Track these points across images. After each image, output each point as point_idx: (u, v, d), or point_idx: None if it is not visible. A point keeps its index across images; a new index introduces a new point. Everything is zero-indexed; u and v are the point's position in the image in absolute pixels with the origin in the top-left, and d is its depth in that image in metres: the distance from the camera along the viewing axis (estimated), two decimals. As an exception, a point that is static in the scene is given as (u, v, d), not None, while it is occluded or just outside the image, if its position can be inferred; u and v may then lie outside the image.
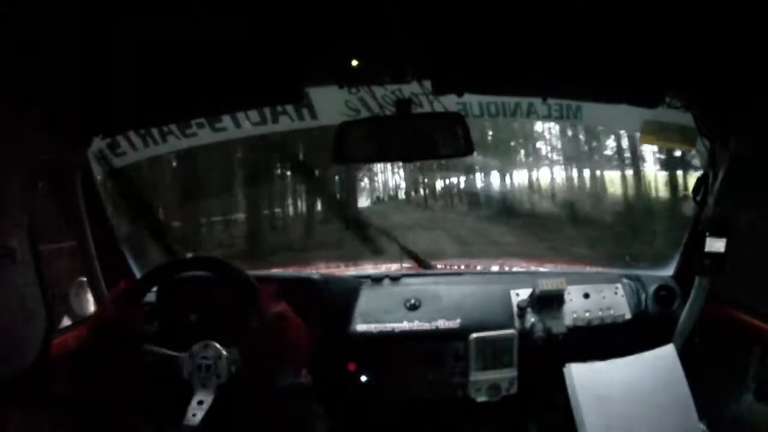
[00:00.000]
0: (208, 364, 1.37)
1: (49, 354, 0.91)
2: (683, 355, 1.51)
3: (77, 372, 1.25)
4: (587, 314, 1.61)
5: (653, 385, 1.47)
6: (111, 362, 1.31)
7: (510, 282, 1.70)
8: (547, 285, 1.62)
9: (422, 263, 1.94)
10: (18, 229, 0.88)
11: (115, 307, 1.30)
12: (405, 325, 1.60)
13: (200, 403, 1.32)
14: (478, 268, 2.03)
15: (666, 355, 1.50)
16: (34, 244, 0.91)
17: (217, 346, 1.37)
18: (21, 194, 0.92)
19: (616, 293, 1.66)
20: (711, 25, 1.04)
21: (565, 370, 1.51)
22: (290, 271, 1.97)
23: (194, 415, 1.30)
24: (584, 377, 1.50)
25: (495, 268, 2.02)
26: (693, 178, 1.46)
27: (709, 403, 1.46)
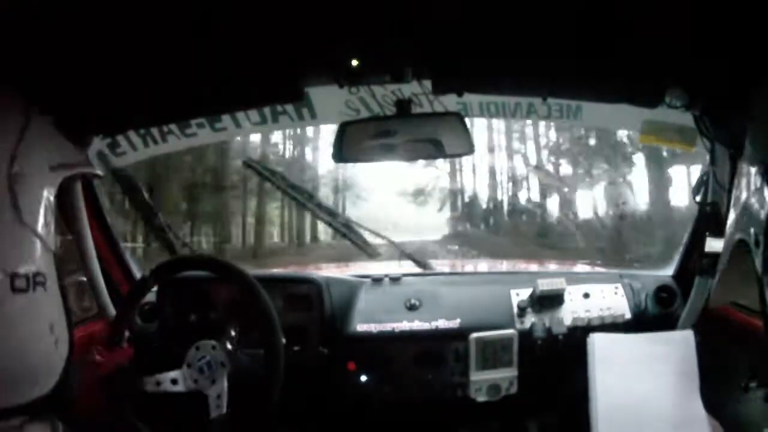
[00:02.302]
0: (208, 361, 1.37)
1: (70, 376, 0.92)
2: None
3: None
4: (587, 314, 1.61)
5: (667, 365, 1.49)
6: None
7: (510, 282, 1.70)
8: (547, 285, 1.63)
9: (421, 264, 1.94)
10: (46, 252, 0.87)
11: (101, 358, 1.31)
12: (405, 325, 1.60)
13: (174, 382, 1.35)
14: (478, 268, 2.03)
15: (684, 338, 1.52)
16: (60, 267, 0.90)
17: (208, 341, 1.38)
18: (48, 211, 0.89)
19: (616, 293, 1.66)
20: (711, 24, 1.04)
21: (588, 339, 1.54)
22: (290, 271, 1.97)
23: (218, 406, 1.33)
24: (605, 348, 1.53)
25: (495, 268, 2.02)
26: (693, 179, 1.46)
27: (709, 400, 1.46)
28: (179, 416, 1.41)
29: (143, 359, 1.45)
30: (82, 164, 1.06)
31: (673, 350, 1.51)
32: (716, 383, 1.46)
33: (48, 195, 0.90)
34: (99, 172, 1.25)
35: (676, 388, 1.47)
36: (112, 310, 1.54)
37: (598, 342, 1.54)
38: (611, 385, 1.49)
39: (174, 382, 1.37)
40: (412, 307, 1.64)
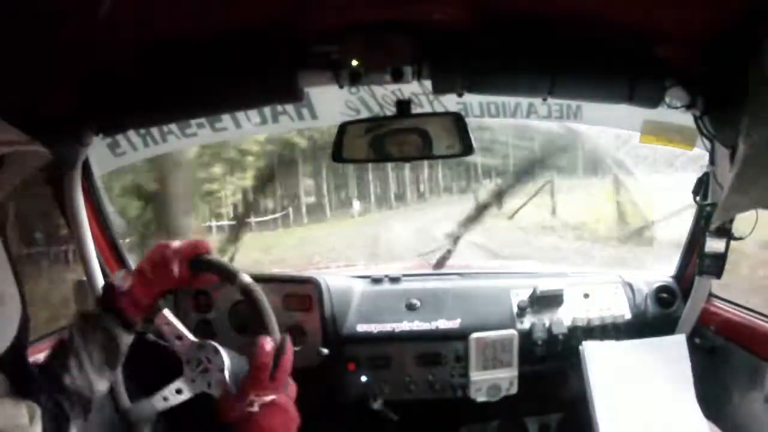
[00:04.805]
0: (207, 366, 1.36)
1: (25, 341, 0.85)
2: None
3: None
4: (587, 315, 1.61)
5: (661, 370, 1.50)
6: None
7: (510, 282, 1.70)
8: (546, 285, 1.63)
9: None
10: None
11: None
12: (405, 325, 1.61)
13: (178, 392, 1.28)
14: (478, 268, 2.03)
15: (677, 343, 1.53)
16: (4, 236, 0.84)
17: (225, 357, 1.36)
18: None
19: (616, 293, 1.66)
20: (711, 24, 1.04)
21: (581, 348, 1.54)
22: (290, 271, 1.97)
23: (165, 399, 1.24)
24: (599, 356, 1.53)
25: (495, 268, 2.02)
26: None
27: (709, 401, 1.46)
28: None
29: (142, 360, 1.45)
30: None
31: (665, 355, 1.51)
32: (715, 386, 1.46)
33: None
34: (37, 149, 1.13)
35: (672, 393, 1.48)
36: None
37: (591, 350, 1.54)
38: (609, 392, 1.49)
39: (179, 391, 1.32)
40: (412, 307, 1.64)
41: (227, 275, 1.08)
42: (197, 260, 1.07)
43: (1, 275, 0.82)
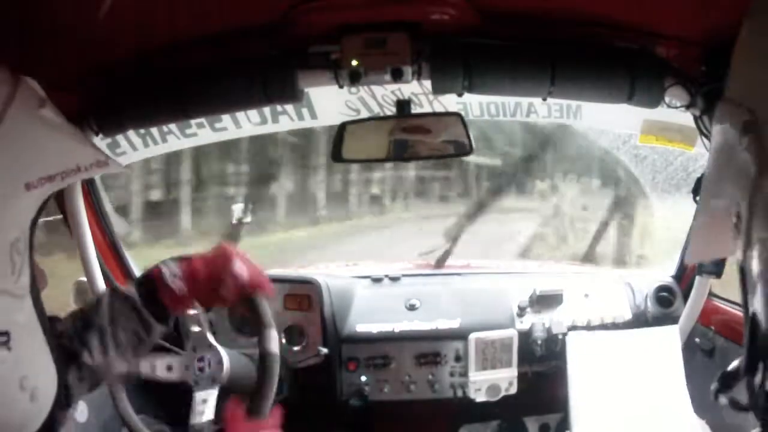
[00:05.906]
0: (203, 366, 1.37)
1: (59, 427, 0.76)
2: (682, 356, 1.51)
3: None
4: (587, 314, 1.61)
5: (649, 362, 1.49)
6: None
7: (510, 282, 1.70)
8: (546, 285, 1.63)
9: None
10: (13, 301, 0.66)
11: None
12: (405, 325, 1.61)
13: (204, 401, 1.31)
14: (478, 268, 2.03)
15: (669, 335, 1.52)
16: (38, 301, 0.69)
17: (220, 350, 1.37)
18: (14, 249, 0.66)
19: (616, 293, 1.66)
20: (711, 24, 1.04)
21: (567, 338, 1.54)
22: (290, 271, 1.97)
23: (202, 413, 1.29)
24: (581, 345, 1.53)
25: (495, 268, 2.02)
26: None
27: (708, 401, 1.46)
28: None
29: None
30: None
31: (655, 346, 1.50)
32: (708, 384, 1.46)
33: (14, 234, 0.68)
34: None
35: (661, 386, 1.46)
36: None
37: (573, 342, 1.53)
38: (590, 384, 1.47)
39: (169, 368, 1.33)
40: (411, 307, 1.64)
41: (258, 327, 0.94)
42: (252, 300, 0.93)
43: (31, 370, 0.69)
